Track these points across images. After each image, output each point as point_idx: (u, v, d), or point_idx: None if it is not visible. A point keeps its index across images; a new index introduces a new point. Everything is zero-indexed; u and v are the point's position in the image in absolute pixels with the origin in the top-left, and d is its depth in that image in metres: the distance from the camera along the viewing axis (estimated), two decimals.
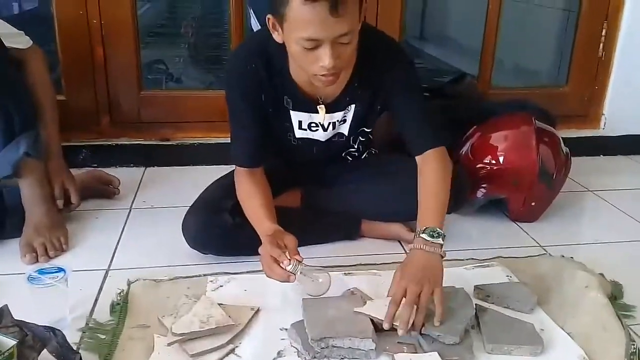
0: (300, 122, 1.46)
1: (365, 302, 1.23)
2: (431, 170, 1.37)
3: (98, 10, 2.01)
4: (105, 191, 1.86)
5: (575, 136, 2.29)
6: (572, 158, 1.85)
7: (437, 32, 4.07)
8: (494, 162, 1.75)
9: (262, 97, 1.40)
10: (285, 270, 1.22)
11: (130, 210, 1.79)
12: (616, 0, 2.30)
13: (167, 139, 2.16)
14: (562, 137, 1.83)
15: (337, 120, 1.47)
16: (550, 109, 2.02)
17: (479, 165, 1.77)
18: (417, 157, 1.41)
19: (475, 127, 1.86)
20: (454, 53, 3.48)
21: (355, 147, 1.60)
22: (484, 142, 1.80)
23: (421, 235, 1.24)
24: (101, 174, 1.89)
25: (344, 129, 1.50)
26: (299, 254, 1.24)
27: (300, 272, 1.23)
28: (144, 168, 2.12)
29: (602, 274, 1.41)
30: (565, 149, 1.83)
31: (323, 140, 1.51)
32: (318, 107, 1.41)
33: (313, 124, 1.46)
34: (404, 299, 1.14)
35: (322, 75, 1.22)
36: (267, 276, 1.26)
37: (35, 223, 1.52)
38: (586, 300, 1.29)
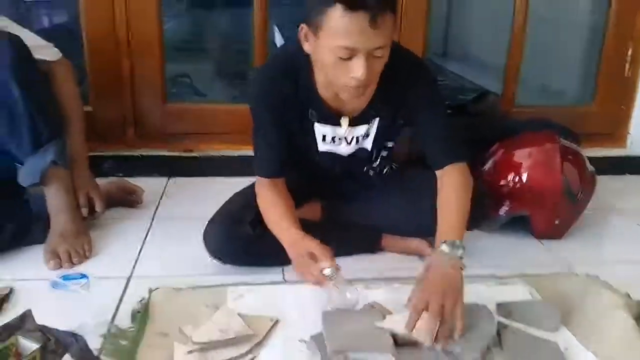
0: (324, 136, 1.47)
1: (385, 317, 1.22)
2: (451, 185, 1.37)
3: (126, 25, 2.05)
4: (129, 200, 1.88)
5: (600, 155, 2.26)
6: (597, 177, 1.82)
7: (460, 50, 4.08)
8: (517, 179, 1.73)
9: (287, 114, 1.41)
10: (321, 273, 1.22)
11: (152, 220, 1.81)
12: None
13: (190, 151, 2.18)
14: (587, 156, 1.81)
15: (361, 135, 1.47)
16: (576, 128, 2.00)
17: (502, 182, 1.75)
18: (437, 172, 1.41)
19: (498, 144, 1.85)
20: (477, 71, 3.48)
21: (377, 162, 1.60)
22: (508, 159, 1.78)
23: (441, 247, 1.23)
24: (125, 184, 1.91)
25: (367, 144, 1.50)
26: (334, 260, 1.25)
27: (335, 280, 1.23)
28: (167, 179, 2.14)
29: (628, 294, 1.38)
30: (590, 167, 1.80)
31: (345, 155, 1.51)
32: (342, 118, 1.42)
33: (337, 138, 1.47)
34: (424, 311, 1.13)
35: (351, 86, 1.23)
36: (297, 275, 1.27)
37: (60, 230, 1.54)
38: (612, 320, 1.26)
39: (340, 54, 1.18)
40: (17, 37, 1.50)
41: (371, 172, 1.63)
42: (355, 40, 1.16)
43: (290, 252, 1.33)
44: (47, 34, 1.73)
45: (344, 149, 1.50)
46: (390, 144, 1.57)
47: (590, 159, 1.82)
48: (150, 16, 2.07)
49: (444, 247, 1.23)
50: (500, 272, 1.52)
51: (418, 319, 1.13)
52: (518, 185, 1.73)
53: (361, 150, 1.51)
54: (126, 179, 1.98)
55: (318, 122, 1.44)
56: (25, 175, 1.54)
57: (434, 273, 1.20)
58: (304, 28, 1.25)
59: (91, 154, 1.78)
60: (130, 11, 2.04)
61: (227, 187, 1.66)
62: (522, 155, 1.77)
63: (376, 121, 1.46)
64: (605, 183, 1.95)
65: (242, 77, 2.86)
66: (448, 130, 1.43)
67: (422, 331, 1.12)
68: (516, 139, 1.83)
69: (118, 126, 2.15)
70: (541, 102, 2.74)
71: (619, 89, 2.37)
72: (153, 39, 2.09)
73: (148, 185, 1.97)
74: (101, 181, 1.81)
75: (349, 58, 1.18)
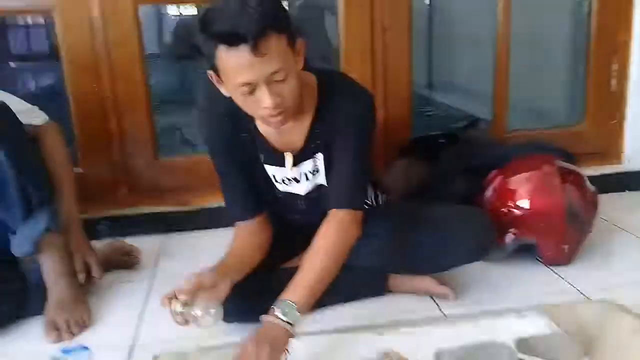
0: (274, 177, 1.45)
1: None
2: (328, 233, 1.32)
3: (110, 84, 2.04)
4: (127, 262, 1.83)
5: (598, 174, 2.24)
6: (598, 196, 1.80)
7: (445, 80, 4.11)
8: (519, 205, 1.70)
9: (238, 154, 1.41)
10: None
11: (152, 280, 1.76)
12: (623, 34, 2.30)
13: (185, 204, 2.15)
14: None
15: (309, 171, 1.43)
16: (570, 148, 1.99)
17: (503, 210, 1.72)
18: (328, 211, 1.36)
19: (495, 171, 1.83)
20: (465, 99, 3.50)
21: None
22: (507, 186, 1.76)
23: (276, 307, 1.19)
24: (121, 245, 1.87)
25: (321, 179, 1.45)
26: (186, 295, 1.19)
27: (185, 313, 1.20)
28: (164, 235, 2.10)
29: None
30: (591, 186, 1.78)
31: (303, 194, 1.47)
32: (285, 154, 1.39)
33: (287, 179, 1.44)
34: None
35: (270, 116, 1.22)
36: None
37: (57, 299, 1.50)
38: (635, 346, 1.22)
39: (242, 90, 1.18)
40: (2, 102, 1.48)
41: None
42: (247, 74, 1.15)
43: None
44: (33, 97, 1.72)
45: (300, 188, 1.46)
46: None
47: (589, 178, 1.80)
48: (135, 73, 2.05)
49: (278, 311, 1.18)
50: (514, 304, 1.48)
51: None
52: (521, 211, 1.70)
53: (320, 187, 1.47)
54: (122, 239, 1.94)
55: (265, 163, 1.43)
56: (18, 245, 1.49)
57: (260, 331, 1.16)
58: (212, 75, 1.24)
59: (84, 216, 1.74)
60: (115, 70, 2.03)
61: (226, 237, 1.61)
62: (521, 181, 1.74)
63: (320, 156, 1.41)
64: (607, 201, 1.92)
65: None
66: (355, 176, 1.36)
67: None
68: (513, 164, 1.81)
69: (110, 186, 2.12)
70: (532, 125, 2.74)
71: (608, 105, 2.38)
72: (139, 95, 2.08)
73: (145, 243, 1.93)
74: (96, 244, 1.77)
75: (253, 91, 1.18)
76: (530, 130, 2.49)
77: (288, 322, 1.17)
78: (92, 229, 1.94)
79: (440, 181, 1.96)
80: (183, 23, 4.54)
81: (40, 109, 1.68)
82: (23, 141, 1.51)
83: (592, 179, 1.83)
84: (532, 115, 2.90)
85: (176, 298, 1.20)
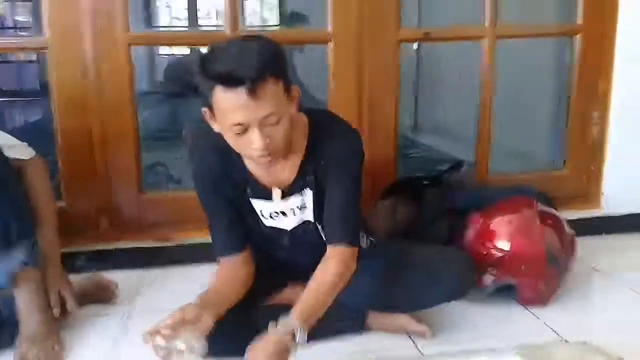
0: (261, 211, 1.47)
1: None
2: (329, 268, 1.36)
3: (99, 120, 2.06)
4: (104, 296, 1.81)
5: (576, 217, 2.25)
6: (576, 239, 1.82)
7: (431, 123, 4.18)
8: (499, 247, 1.72)
9: (226, 189, 1.43)
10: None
11: (129, 315, 1.74)
12: (604, 83, 2.36)
13: (166, 240, 2.14)
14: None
15: (297, 207, 1.45)
16: (549, 192, 2.02)
17: (484, 252, 1.74)
18: (328, 247, 1.39)
19: (477, 213, 1.85)
20: (448, 141, 3.56)
21: None
22: (488, 228, 1.77)
23: (280, 326, 1.23)
24: (99, 279, 1.85)
25: (309, 216, 1.47)
26: (165, 329, 1.19)
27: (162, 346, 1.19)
28: (143, 270, 2.08)
29: (621, 359, 1.35)
30: (569, 229, 1.81)
31: (289, 229, 1.49)
32: (273, 189, 1.42)
33: (274, 213, 1.46)
34: None
35: (259, 156, 1.26)
36: None
37: (29, 334, 1.48)
38: None
39: (234, 130, 1.22)
40: None
41: None
42: (241, 115, 1.19)
43: None
44: (20, 132, 1.73)
45: (286, 223, 1.48)
46: None
47: (568, 221, 1.82)
48: (124, 109, 2.07)
49: (282, 329, 1.23)
50: (492, 344, 1.48)
51: None
52: (501, 253, 1.71)
53: (306, 223, 1.48)
54: (101, 273, 1.92)
55: (253, 198, 1.45)
56: None
57: (265, 341, 1.21)
58: (206, 112, 1.28)
59: (64, 250, 1.73)
60: (104, 105, 2.05)
61: (206, 275, 1.61)
62: (502, 223, 1.76)
63: (308, 192, 1.44)
64: (585, 244, 1.94)
65: None
66: (350, 210, 1.39)
67: None
68: (494, 207, 1.84)
69: (92, 219, 2.11)
70: (513, 167, 2.78)
71: (589, 152, 2.41)
72: (128, 132, 2.09)
73: (124, 278, 1.91)
74: (74, 278, 1.75)
75: (244, 132, 1.22)
76: (512, 174, 2.53)
77: (292, 336, 1.21)
78: (71, 263, 1.93)
79: (423, 222, 1.98)
80: (174, 62, 4.62)
81: (28, 144, 1.68)
82: (6, 174, 1.51)
83: (571, 222, 1.86)
84: (515, 158, 2.94)
85: (159, 332, 1.19)
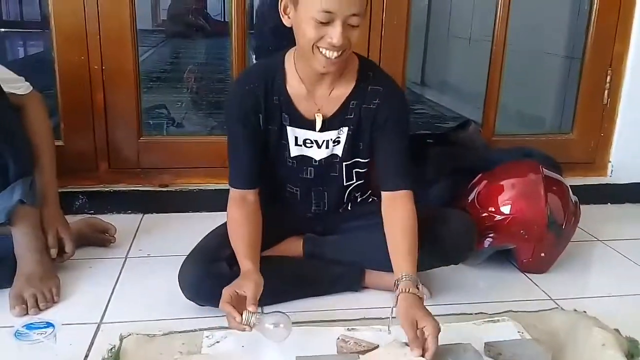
0: (296, 138, 1.48)
1: (359, 357, 1.19)
2: (406, 211, 1.41)
3: (100, 56, 2.00)
4: (101, 239, 1.81)
5: (582, 184, 2.25)
6: (580, 206, 1.80)
7: (438, 79, 4.10)
8: (501, 211, 1.70)
9: (259, 117, 1.44)
10: (240, 322, 1.19)
11: (125, 260, 1.74)
12: (620, 47, 2.30)
13: (166, 185, 2.12)
14: (569, 185, 1.79)
15: (331, 139, 1.48)
16: (556, 157, 1.99)
17: (485, 214, 1.72)
18: (386, 193, 1.44)
19: (481, 174, 1.82)
20: (455, 99, 3.50)
21: (353, 184, 1.56)
22: (491, 191, 1.75)
23: (407, 280, 1.27)
24: (97, 222, 1.84)
25: (338, 150, 1.49)
26: (254, 304, 1.21)
27: (256, 323, 1.19)
28: (141, 215, 2.08)
29: (617, 330, 1.35)
30: (574, 197, 1.78)
31: (317, 159, 1.50)
32: (316, 116, 1.44)
33: (308, 141, 1.48)
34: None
35: (327, 56, 1.28)
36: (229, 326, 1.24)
37: (26, 273, 1.47)
38: (602, 359, 1.22)
39: (319, 17, 1.24)
40: None
41: (351, 203, 1.60)
42: (333, 4, 1.23)
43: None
44: (20, 65, 1.68)
45: (316, 152, 1.49)
46: (363, 162, 1.52)
47: (572, 188, 1.80)
48: (125, 46, 2.01)
49: (410, 282, 1.27)
50: (486, 308, 1.48)
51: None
52: (502, 217, 1.69)
53: (334, 156, 1.50)
54: (98, 216, 1.91)
55: (290, 125, 1.46)
56: None
57: (419, 305, 1.24)
58: (283, 1, 1.32)
59: (62, 190, 1.71)
60: (105, 41, 1.99)
61: (205, 222, 1.61)
62: (505, 187, 1.74)
63: (345, 130, 1.47)
64: (588, 213, 1.93)
65: (220, 108, 2.83)
66: (407, 157, 1.47)
67: None
68: (499, 169, 1.81)
69: (90, 161, 2.08)
70: (522, 130, 2.73)
71: (599, 117, 2.37)
72: (128, 70, 2.04)
73: (121, 222, 1.90)
74: (72, 219, 1.74)
75: (327, 23, 1.25)
76: (518, 136, 2.49)
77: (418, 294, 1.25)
78: (68, 204, 1.92)
79: (426, 181, 1.95)
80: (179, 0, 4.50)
81: (27, 78, 1.64)
82: (4, 111, 1.48)
83: (576, 188, 1.84)
84: (522, 120, 2.89)
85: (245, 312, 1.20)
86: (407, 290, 1.25)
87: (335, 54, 1.29)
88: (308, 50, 1.31)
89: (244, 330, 1.20)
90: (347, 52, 1.33)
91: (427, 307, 1.24)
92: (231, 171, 1.47)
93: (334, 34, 1.25)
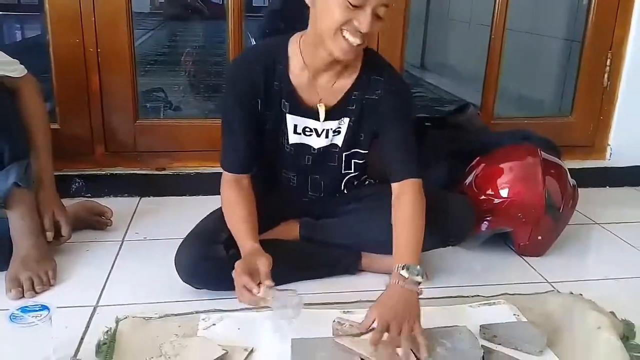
0: (295, 126, 1.46)
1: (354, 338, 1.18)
2: (409, 201, 1.38)
3: (95, 38, 1.98)
4: (98, 223, 1.81)
5: (580, 167, 2.24)
6: (578, 189, 1.80)
7: (438, 62, 4.07)
8: (499, 194, 1.69)
9: (258, 101, 1.42)
10: (256, 296, 1.19)
11: (122, 243, 1.74)
12: (621, 30, 2.28)
13: (163, 169, 2.11)
14: (567, 168, 1.78)
15: (332, 129, 1.46)
16: (555, 140, 1.98)
17: (483, 197, 1.71)
18: (394, 184, 1.41)
19: (479, 158, 1.81)
20: (455, 82, 3.47)
21: (351, 172, 1.55)
22: (489, 174, 1.75)
23: (400, 272, 1.23)
24: (93, 205, 1.84)
25: (338, 140, 1.48)
26: (269, 278, 1.21)
27: (272, 297, 1.19)
28: (138, 198, 2.07)
29: (613, 313, 1.35)
30: (572, 180, 1.78)
31: (316, 147, 1.48)
32: (319, 105, 1.43)
33: (307, 129, 1.46)
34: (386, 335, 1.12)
35: (350, 42, 1.26)
36: (239, 301, 1.23)
37: (22, 256, 1.47)
38: (598, 342, 1.22)
39: (352, 1, 1.22)
40: None
41: (349, 187, 1.59)
42: None
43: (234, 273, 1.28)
44: (17, 49, 1.66)
45: (315, 141, 1.48)
46: (362, 153, 1.52)
47: (571, 171, 1.79)
48: (120, 28, 1.99)
49: (403, 272, 1.22)
50: (482, 291, 1.48)
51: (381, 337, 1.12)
52: (500, 200, 1.69)
53: (332, 146, 1.49)
54: (95, 199, 1.91)
55: (289, 113, 1.44)
56: None
57: (392, 299, 1.20)
58: None
59: (58, 173, 1.71)
60: (100, 23, 1.97)
61: (202, 205, 1.60)
62: (503, 170, 1.73)
63: (346, 121, 1.46)
64: (586, 196, 1.93)
65: (218, 91, 2.81)
66: (412, 145, 1.44)
67: (383, 356, 1.11)
68: (497, 152, 1.80)
69: (87, 144, 2.07)
70: (521, 113, 2.72)
71: (598, 101, 2.36)
72: (123, 53, 2.02)
73: (118, 205, 1.90)
74: (68, 202, 1.74)
75: (358, 7, 1.23)
76: (517, 119, 2.48)
77: (417, 282, 1.22)
78: (65, 187, 1.91)
79: (423, 164, 1.94)
80: None
81: (24, 61, 1.62)
82: None
83: (575, 171, 1.83)
84: (521, 103, 2.88)
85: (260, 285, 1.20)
86: (396, 283, 1.23)
87: (359, 40, 1.27)
88: (329, 34, 1.28)
89: (257, 304, 1.20)
90: (366, 43, 1.31)
91: (423, 288, 1.23)
92: (225, 154, 1.45)
93: (364, 19, 1.23)
